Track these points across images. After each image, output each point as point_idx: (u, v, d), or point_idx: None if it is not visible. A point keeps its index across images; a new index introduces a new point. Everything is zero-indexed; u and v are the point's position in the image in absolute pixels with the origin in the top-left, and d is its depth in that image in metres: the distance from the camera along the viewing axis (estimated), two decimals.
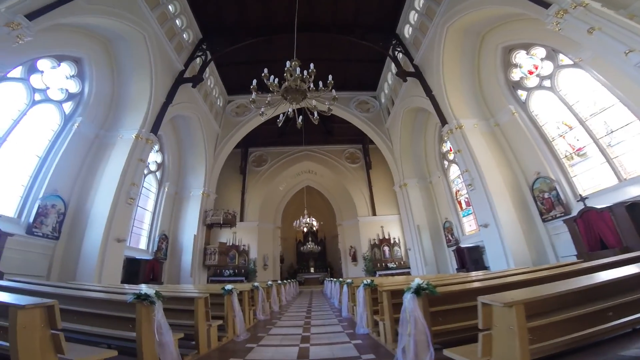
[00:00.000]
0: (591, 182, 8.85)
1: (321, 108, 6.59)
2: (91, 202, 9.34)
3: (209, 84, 16.37)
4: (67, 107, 10.08)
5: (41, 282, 6.01)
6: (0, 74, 8.03)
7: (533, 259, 9.22)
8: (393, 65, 15.80)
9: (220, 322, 4.20)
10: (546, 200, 9.61)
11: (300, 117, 6.07)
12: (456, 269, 12.96)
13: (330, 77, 6.06)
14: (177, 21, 12.60)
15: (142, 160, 10.71)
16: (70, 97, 10.14)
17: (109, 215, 9.02)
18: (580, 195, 8.66)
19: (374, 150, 22.56)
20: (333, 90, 5.80)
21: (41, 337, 2.09)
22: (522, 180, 10.44)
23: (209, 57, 14.34)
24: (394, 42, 14.45)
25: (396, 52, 14.36)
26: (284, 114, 6.19)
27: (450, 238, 14.49)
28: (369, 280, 4.75)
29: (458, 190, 14.64)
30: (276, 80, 5.50)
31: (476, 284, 3.66)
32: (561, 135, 9.62)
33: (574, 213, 8.54)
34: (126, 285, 7.58)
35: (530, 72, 10.18)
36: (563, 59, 9.10)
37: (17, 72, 8.62)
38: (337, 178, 23.16)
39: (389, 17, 13.96)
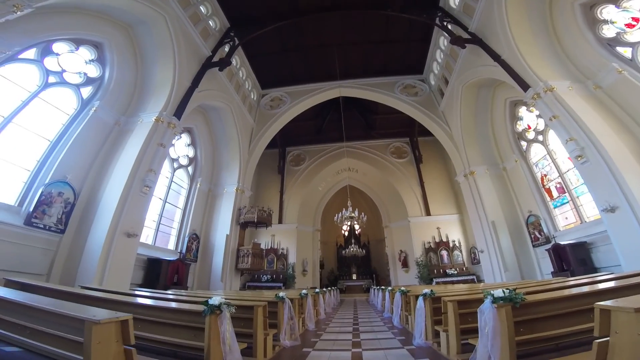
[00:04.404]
0: None
1: None
2: (103, 192, 8.15)
3: (240, 75, 15.49)
4: (86, 91, 9.24)
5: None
6: (7, 52, 7.34)
7: None
8: (442, 40, 13.90)
9: None
10: None
11: None
12: (552, 272, 9.74)
13: None
14: (201, 7, 11.99)
15: (162, 145, 9.43)
16: (89, 81, 9.33)
17: (118, 205, 7.64)
18: None
19: (423, 143, 20.26)
20: None
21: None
22: None
23: (237, 42, 13.24)
24: (439, 14, 12.45)
25: (444, 23, 12.27)
26: None
27: (538, 235, 11.18)
28: (505, 291, 2.39)
29: (545, 175, 11.38)
30: None
31: None
32: None
33: None
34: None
35: (630, 26, 8.04)
36: None
37: (30, 54, 7.97)
38: (382, 175, 20.80)
39: None
